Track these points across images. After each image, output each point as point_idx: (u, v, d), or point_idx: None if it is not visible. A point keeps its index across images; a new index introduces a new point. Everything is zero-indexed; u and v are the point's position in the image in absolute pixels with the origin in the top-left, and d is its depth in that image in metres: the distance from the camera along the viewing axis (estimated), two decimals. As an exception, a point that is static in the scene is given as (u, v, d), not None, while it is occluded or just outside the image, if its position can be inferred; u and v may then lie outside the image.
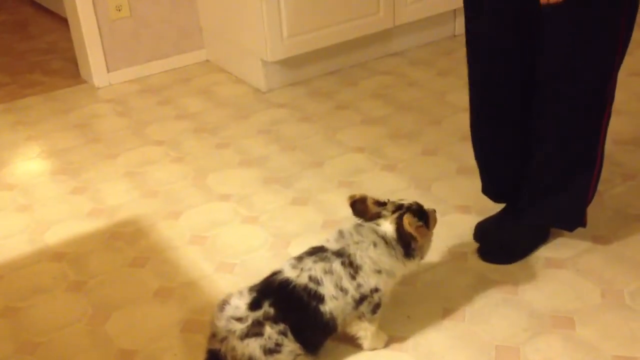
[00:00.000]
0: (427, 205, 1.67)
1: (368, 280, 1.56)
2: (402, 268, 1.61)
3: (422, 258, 1.65)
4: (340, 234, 1.61)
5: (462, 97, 2.91)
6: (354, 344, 1.65)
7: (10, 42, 3.98)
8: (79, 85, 3.32)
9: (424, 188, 2.27)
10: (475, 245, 1.99)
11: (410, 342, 1.67)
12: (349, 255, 1.56)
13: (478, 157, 2.00)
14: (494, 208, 2.14)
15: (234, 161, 2.55)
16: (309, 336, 1.54)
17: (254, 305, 1.51)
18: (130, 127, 2.88)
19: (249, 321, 1.49)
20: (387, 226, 1.58)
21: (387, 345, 1.66)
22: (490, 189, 2.03)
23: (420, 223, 1.58)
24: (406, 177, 2.36)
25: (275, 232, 2.12)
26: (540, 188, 1.87)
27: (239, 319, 1.49)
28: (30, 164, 2.66)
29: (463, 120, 2.73)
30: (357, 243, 1.57)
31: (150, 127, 2.86)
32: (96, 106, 3.10)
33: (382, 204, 1.63)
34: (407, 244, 1.58)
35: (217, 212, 2.25)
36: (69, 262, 2.05)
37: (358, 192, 1.64)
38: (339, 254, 1.56)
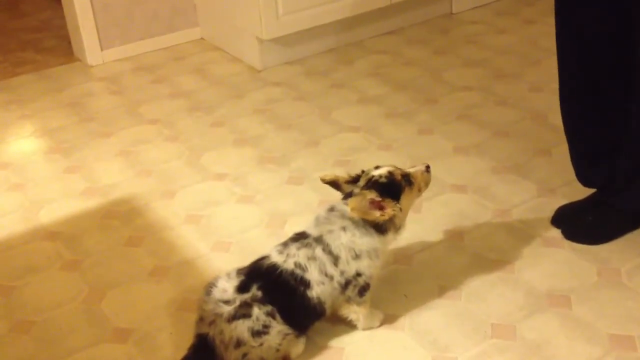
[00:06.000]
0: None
1: (349, 267, 1.55)
2: (382, 244, 1.57)
3: (397, 230, 1.59)
4: (317, 220, 1.59)
5: (458, 76, 2.90)
6: (351, 324, 1.65)
7: (2, 20, 3.93)
8: (72, 63, 3.29)
9: (420, 167, 2.26)
10: (470, 224, 1.99)
11: (406, 321, 1.67)
12: (327, 245, 1.54)
13: (572, 141, 1.92)
14: (489, 187, 2.14)
15: (228, 140, 2.53)
16: (298, 319, 1.53)
17: (241, 288, 1.50)
18: (124, 105, 2.86)
19: (237, 303, 1.48)
20: None
21: (383, 324, 1.66)
22: (584, 174, 1.95)
23: (376, 198, 1.52)
24: (402, 156, 2.35)
25: (271, 212, 2.11)
26: (638, 171, 1.82)
27: (227, 302, 1.48)
28: (24, 142, 2.63)
29: (459, 99, 2.72)
30: (330, 232, 1.55)
31: (144, 105, 2.84)
32: (89, 84, 3.08)
33: (355, 180, 1.60)
34: (372, 223, 1.54)
35: (212, 191, 2.24)
36: (64, 241, 2.04)
37: (329, 174, 1.62)
38: (319, 240, 1.55)
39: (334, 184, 1.62)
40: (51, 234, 2.08)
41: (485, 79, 2.85)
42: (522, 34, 3.25)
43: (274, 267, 1.53)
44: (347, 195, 1.57)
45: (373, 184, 1.55)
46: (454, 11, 3.50)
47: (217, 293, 1.50)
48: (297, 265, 1.52)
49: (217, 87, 2.96)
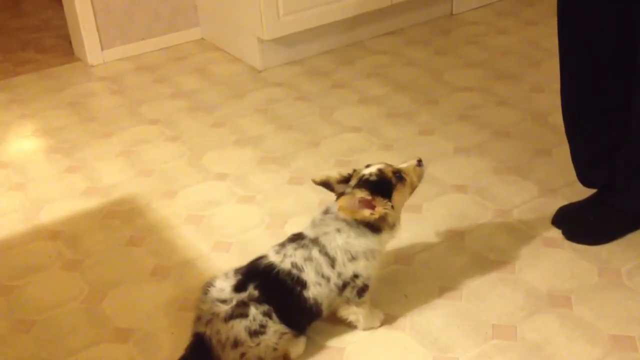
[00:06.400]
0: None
1: (345, 269, 1.54)
2: (377, 244, 1.56)
3: (392, 228, 1.57)
4: (313, 222, 1.59)
5: (459, 77, 2.90)
6: (351, 325, 1.65)
7: (2, 20, 3.94)
8: (72, 63, 3.29)
9: (421, 167, 2.26)
10: (471, 224, 1.99)
11: (407, 321, 1.67)
12: (323, 246, 1.54)
13: (573, 141, 1.92)
14: (490, 188, 2.14)
15: (229, 140, 2.54)
16: (294, 319, 1.53)
17: (238, 288, 1.50)
18: (125, 105, 2.86)
19: (234, 302, 1.48)
20: None
21: (383, 324, 1.66)
22: (585, 174, 1.95)
23: (366, 197, 1.51)
24: (403, 156, 2.34)
25: (272, 212, 2.11)
26: (638, 171, 1.82)
27: (224, 301, 1.48)
28: (24, 142, 2.64)
29: (460, 99, 2.72)
30: (326, 234, 1.55)
31: (145, 105, 2.84)
32: (90, 84, 3.08)
33: (347, 180, 1.59)
34: (366, 223, 1.54)
35: (213, 191, 2.24)
36: (64, 240, 2.04)
37: (320, 175, 1.61)
38: (315, 242, 1.55)
39: (326, 184, 1.60)
40: (52, 233, 2.08)
41: (486, 80, 2.85)
42: (523, 35, 3.25)
43: (271, 267, 1.53)
44: (340, 196, 1.56)
45: (364, 182, 1.55)
46: (454, 12, 3.50)
47: (214, 292, 1.50)
48: (294, 265, 1.52)
49: (218, 87, 2.96)
